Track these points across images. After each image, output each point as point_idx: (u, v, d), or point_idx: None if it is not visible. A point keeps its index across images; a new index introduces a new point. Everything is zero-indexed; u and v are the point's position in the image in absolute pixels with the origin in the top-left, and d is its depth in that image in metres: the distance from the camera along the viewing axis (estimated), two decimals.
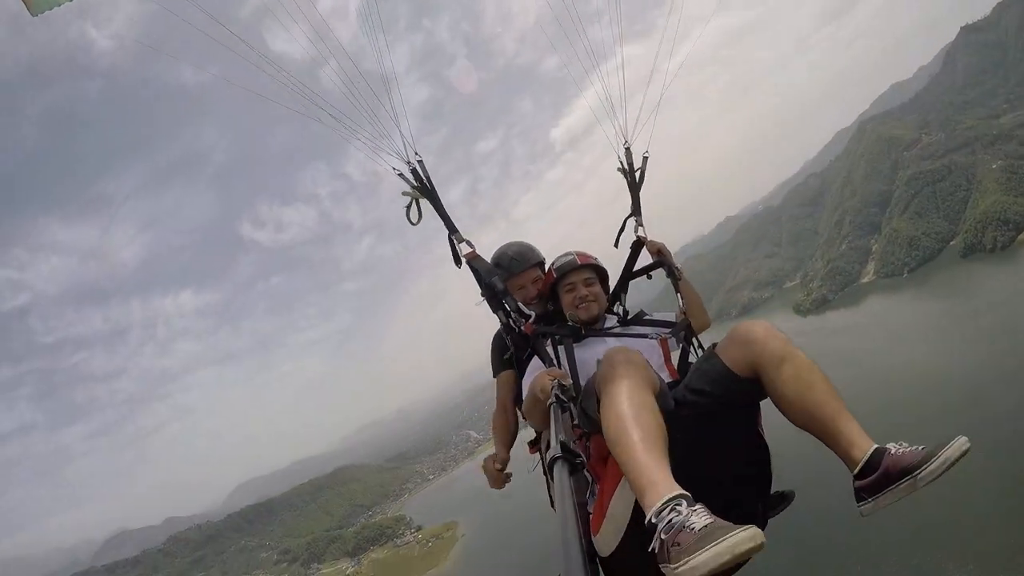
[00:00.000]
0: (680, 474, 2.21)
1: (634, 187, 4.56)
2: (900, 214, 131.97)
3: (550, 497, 3.48)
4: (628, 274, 4.44)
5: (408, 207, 4.14)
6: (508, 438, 4.13)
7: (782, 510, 2.88)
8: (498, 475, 4.03)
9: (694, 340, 3.91)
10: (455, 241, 4.10)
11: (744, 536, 1.83)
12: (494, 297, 3.96)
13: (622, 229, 4.52)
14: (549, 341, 3.77)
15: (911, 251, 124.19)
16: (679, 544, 1.93)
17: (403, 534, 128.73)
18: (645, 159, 4.60)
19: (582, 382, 3.29)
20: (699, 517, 1.96)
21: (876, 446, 2.42)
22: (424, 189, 4.13)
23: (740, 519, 2.05)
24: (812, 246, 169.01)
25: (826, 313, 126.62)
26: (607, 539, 2.59)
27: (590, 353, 3.50)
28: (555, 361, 3.64)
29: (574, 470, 2.07)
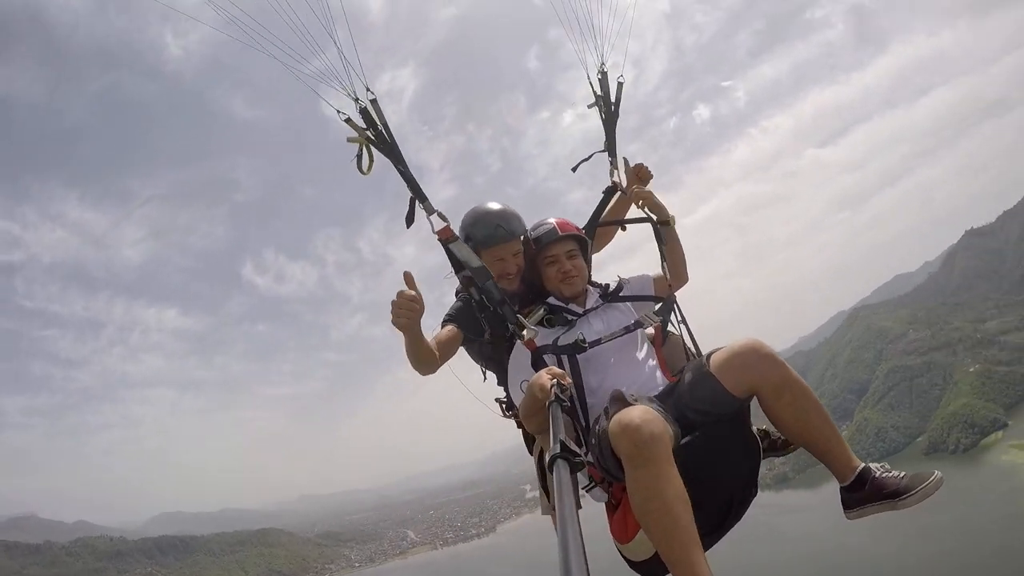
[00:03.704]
0: (691, 485, 2.40)
1: (610, 119, 4.18)
2: (874, 404, 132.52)
3: (546, 492, 3.42)
4: (595, 222, 4.05)
5: (359, 155, 3.41)
6: (429, 340, 3.33)
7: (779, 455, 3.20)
8: (409, 304, 3.00)
9: (679, 315, 3.69)
10: (425, 212, 3.46)
11: None
12: (488, 302, 3.49)
13: (586, 159, 4.20)
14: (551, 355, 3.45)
15: (877, 442, 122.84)
16: None
17: None
18: (620, 85, 4.21)
19: (585, 395, 3.28)
20: None
21: (863, 465, 2.79)
22: (379, 137, 3.42)
23: (736, 512, 2.80)
24: None
25: (784, 491, 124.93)
26: (642, 547, 2.68)
27: (591, 364, 3.36)
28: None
29: (574, 469, 2.06)
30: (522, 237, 3.68)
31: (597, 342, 3.40)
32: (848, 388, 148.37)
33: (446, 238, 3.48)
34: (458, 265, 3.59)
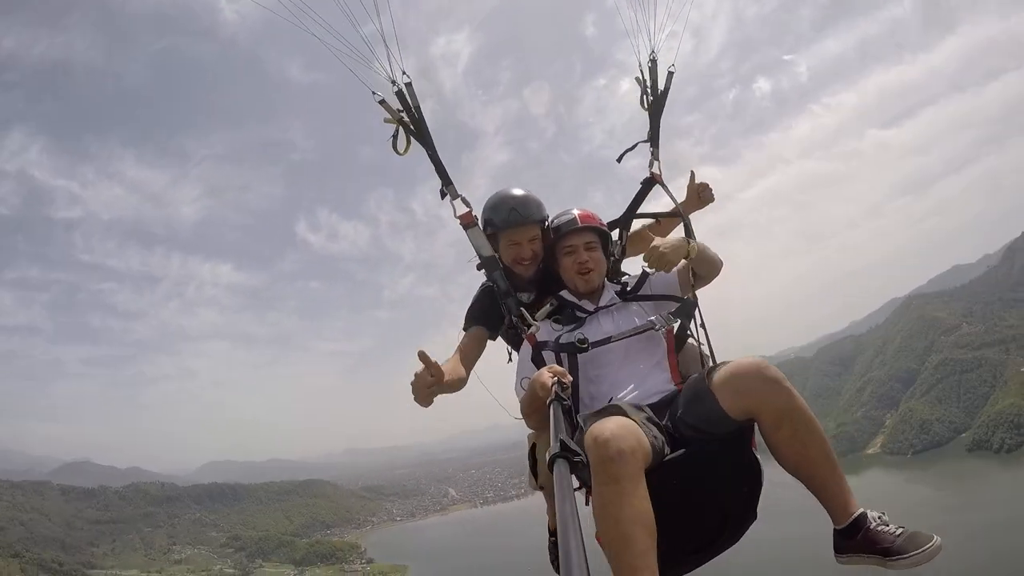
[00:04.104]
0: (674, 504, 2.35)
1: (656, 106, 4.09)
2: (921, 395, 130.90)
3: (533, 473, 3.53)
4: (631, 214, 4.01)
5: (394, 136, 3.57)
6: (452, 371, 3.32)
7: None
8: (426, 388, 3.01)
9: (700, 319, 3.42)
10: (448, 195, 3.61)
11: None
12: (495, 293, 3.60)
13: (630, 149, 4.10)
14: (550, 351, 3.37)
15: (920, 434, 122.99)
16: None
17: (353, 561, 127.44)
18: (670, 75, 4.11)
19: (583, 396, 3.20)
20: None
21: (860, 512, 2.49)
22: (413, 119, 3.57)
23: (731, 535, 2.67)
24: (831, 405, 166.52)
25: None
26: None
27: (594, 364, 3.24)
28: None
29: (574, 468, 2.01)
30: (543, 225, 3.62)
31: (604, 341, 3.27)
32: (896, 376, 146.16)
33: (466, 223, 3.59)
34: (481, 263, 3.65)
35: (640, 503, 2.30)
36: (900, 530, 2.42)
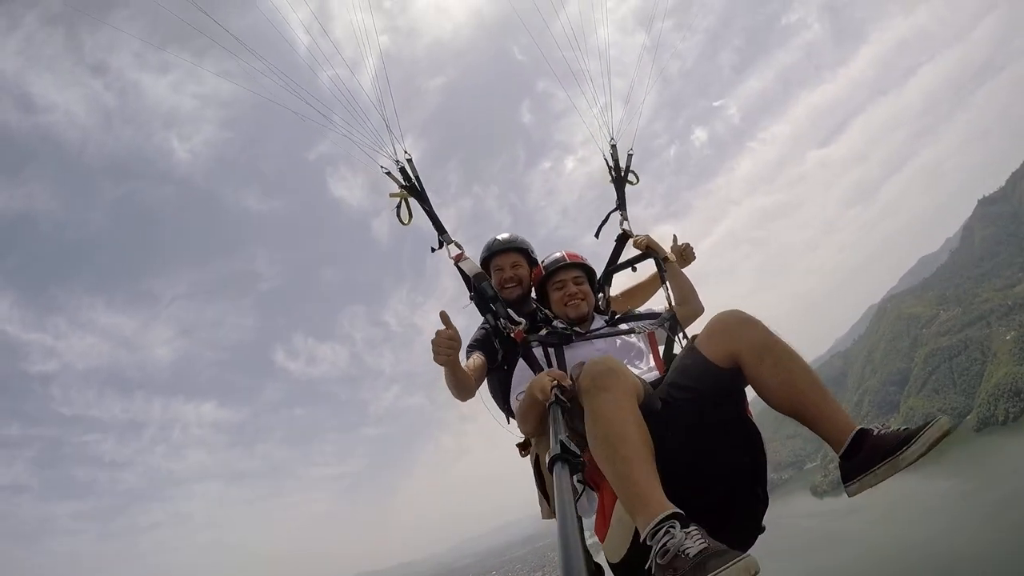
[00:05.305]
0: (674, 474, 2.27)
1: (619, 182, 4.71)
2: (918, 392, 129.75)
3: (545, 497, 3.55)
4: (612, 267, 4.47)
5: (398, 208, 4.10)
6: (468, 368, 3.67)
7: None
8: (447, 341, 3.25)
9: (679, 330, 3.85)
10: (444, 243, 4.10)
11: (739, 567, 1.79)
12: (483, 301, 3.93)
13: (604, 221, 4.62)
14: (538, 346, 3.68)
15: None
16: (675, 569, 1.91)
17: None
18: (630, 156, 4.77)
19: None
20: (693, 541, 1.92)
21: (860, 427, 2.44)
22: (413, 189, 4.14)
23: (740, 512, 2.36)
24: None
25: (842, 495, 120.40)
26: (615, 545, 2.59)
27: (579, 356, 3.44)
28: (545, 366, 3.54)
29: (574, 470, 2.03)
30: (526, 254, 4.27)
31: (586, 335, 3.59)
32: (889, 380, 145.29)
33: (458, 259, 4.05)
34: (469, 283, 4.00)
35: (634, 413, 2.33)
36: (904, 427, 2.37)
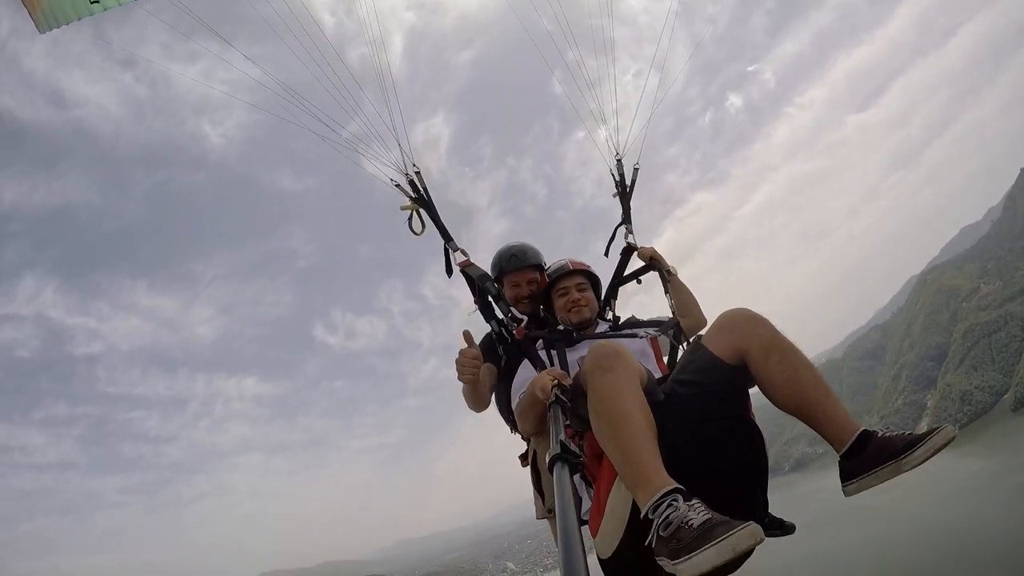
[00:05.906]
0: (675, 467, 2.22)
1: (624, 197, 4.71)
2: (955, 368, 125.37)
3: (541, 496, 3.71)
4: (618, 280, 4.53)
5: (410, 219, 4.16)
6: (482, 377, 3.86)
7: (776, 536, 2.75)
8: (471, 360, 3.54)
9: (684, 339, 3.89)
10: (450, 251, 4.14)
11: (744, 533, 1.80)
12: (487, 306, 3.96)
13: (612, 238, 4.63)
14: (540, 345, 3.77)
15: (963, 406, 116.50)
16: (678, 539, 1.91)
17: None
18: (636, 171, 4.77)
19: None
20: (697, 513, 1.94)
21: (863, 428, 2.44)
22: (422, 200, 4.18)
23: (740, 511, 2.09)
24: (870, 400, 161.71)
25: None
26: (607, 539, 2.58)
27: (581, 356, 3.27)
28: (547, 365, 3.58)
29: (574, 470, 2.02)
30: (540, 269, 4.34)
31: (589, 335, 3.65)
32: (927, 355, 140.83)
33: (464, 265, 4.10)
34: (475, 288, 4.06)
35: (638, 394, 2.33)
36: (909, 432, 2.37)
